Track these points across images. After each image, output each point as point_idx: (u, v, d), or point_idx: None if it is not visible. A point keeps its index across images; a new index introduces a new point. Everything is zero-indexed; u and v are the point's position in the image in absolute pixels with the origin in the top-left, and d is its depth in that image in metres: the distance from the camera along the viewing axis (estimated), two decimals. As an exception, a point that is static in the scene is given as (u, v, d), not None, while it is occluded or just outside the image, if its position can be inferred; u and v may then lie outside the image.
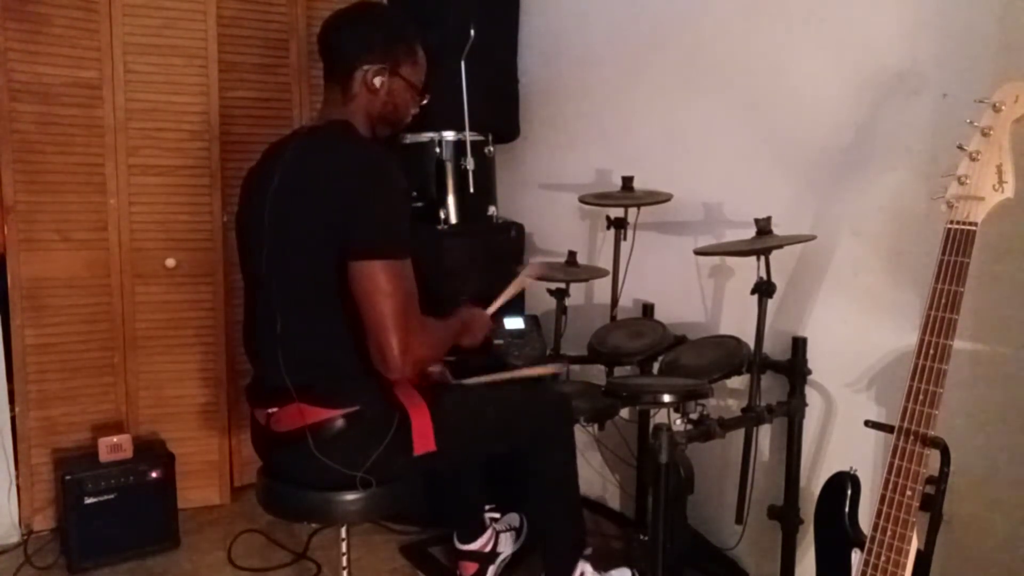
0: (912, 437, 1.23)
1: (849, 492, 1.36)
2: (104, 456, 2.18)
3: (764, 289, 1.72)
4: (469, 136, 2.38)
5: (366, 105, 1.60)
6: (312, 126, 1.62)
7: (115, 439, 2.20)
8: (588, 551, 1.82)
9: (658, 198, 2.12)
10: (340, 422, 1.47)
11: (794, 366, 1.82)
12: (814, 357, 1.82)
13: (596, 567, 1.82)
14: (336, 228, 1.42)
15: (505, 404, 1.73)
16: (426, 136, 2.41)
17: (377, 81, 1.58)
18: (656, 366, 2.04)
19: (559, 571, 1.80)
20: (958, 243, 1.23)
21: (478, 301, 1.84)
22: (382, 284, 1.40)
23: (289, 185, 1.50)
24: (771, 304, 1.75)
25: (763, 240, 1.72)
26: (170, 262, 2.43)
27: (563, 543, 1.81)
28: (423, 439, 1.51)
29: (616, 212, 2.23)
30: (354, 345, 1.47)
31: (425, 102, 1.71)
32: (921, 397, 1.23)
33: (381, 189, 1.45)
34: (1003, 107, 1.22)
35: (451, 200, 2.43)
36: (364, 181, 1.44)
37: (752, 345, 1.77)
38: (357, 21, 1.62)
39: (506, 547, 2.07)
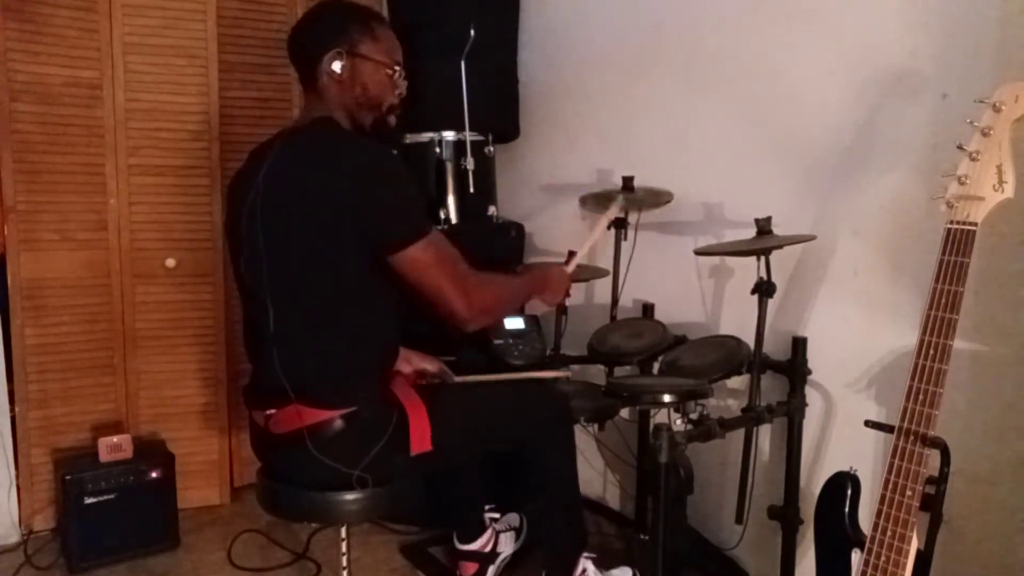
0: (912, 437, 1.23)
1: (849, 492, 1.36)
2: (104, 456, 2.18)
3: (764, 289, 1.72)
4: (469, 136, 2.38)
5: (338, 96, 1.59)
6: (294, 126, 1.61)
7: (115, 439, 2.20)
8: (592, 556, 1.82)
9: (658, 198, 2.12)
10: (338, 422, 1.47)
11: (794, 366, 1.82)
12: (814, 357, 1.82)
13: (597, 566, 1.82)
14: (344, 227, 1.42)
15: (503, 403, 1.73)
16: (426, 136, 2.41)
17: (337, 67, 1.57)
18: (656, 366, 2.04)
19: (560, 569, 1.79)
20: (958, 243, 1.23)
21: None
22: (426, 261, 1.46)
23: (276, 187, 1.49)
24: (771, 304, 1.75)
25: (763, 240, 1.72)
26: (170, 262, 2.43)
27: (564, 541, 1.81)
28: (420, 438, 1.51)
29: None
30: (351, 345, 1.47)
31: (401, 78, 1.66)
32: (921, 397, 1.23)
33: (382, 180, 1.45)
34: (1003, 107, 1.22)
35: (451, 200, 2.43)
36: (363, 178, 1.43)
37: (752, 345, 1.77)
38: (310, 19, 1.64)
39: (506, 547, 2.07)
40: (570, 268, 1.88)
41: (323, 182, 1.44)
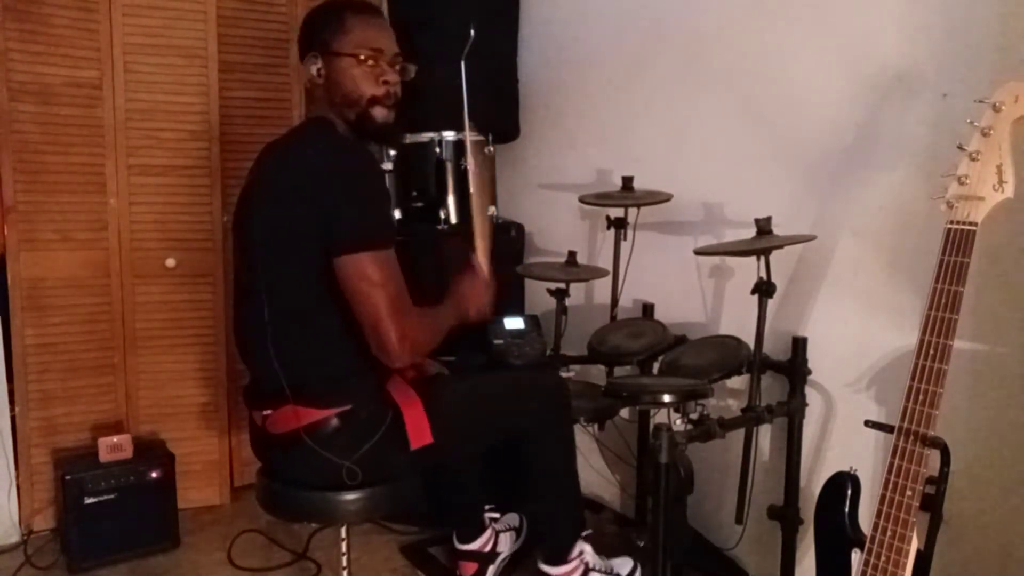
0: (912, 437, 1.23)
1: (849, 492, 1.36)
2: (104, 456, 2.18)
3: (764, 289, 1.72)
4: (469, 136, 2.38)
5: (324, 97, 1.59)
6: (295, 127, 1.63)
7: (115, 439, 2.20)
8: (587, 532, 1.82)
9: (658, 198, 2.12)
10: (334, 421, 1.48)
11: (794, 366, 1.82)
12: (814, 357, 1.82)
13: (598, 553, 1.83)
14: (318, 227, 1.42)
15: (501, 391, 1.74)
16: (426, 136, 2.41)
17: (313, 70, 1.57)
18: (656, 366, 2.04)
19: (558, 550, 1.80)
20: (958, 243, 1.23)
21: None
22: (371, 275, 1.40)
23: (269, 187, 1.51)
24: (771, 304, 1.75)
25: (763, 240, 1.72)
26: (170, 262, 2.43)
27: (562, 524, 1.82)
28: (418, 433, 1.51)
29: (616, 212, 2.23)
30: (346, 344, 1.47)
31: (388, 66, 1.57)
32: (921, 397, 1.23)
33: (355, 183, 1.45)
34: (1003, 107, 1.22)
35: (451, 200, 2.43)
36: (337, 178, 1.44)
37: (752, 345, 1.77)
38: (301, 26, 1.64)
39: (505, 547, 2.07)
40: (483, 268, 1.69)
41: (306, 180, 1.45)
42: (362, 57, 1.54)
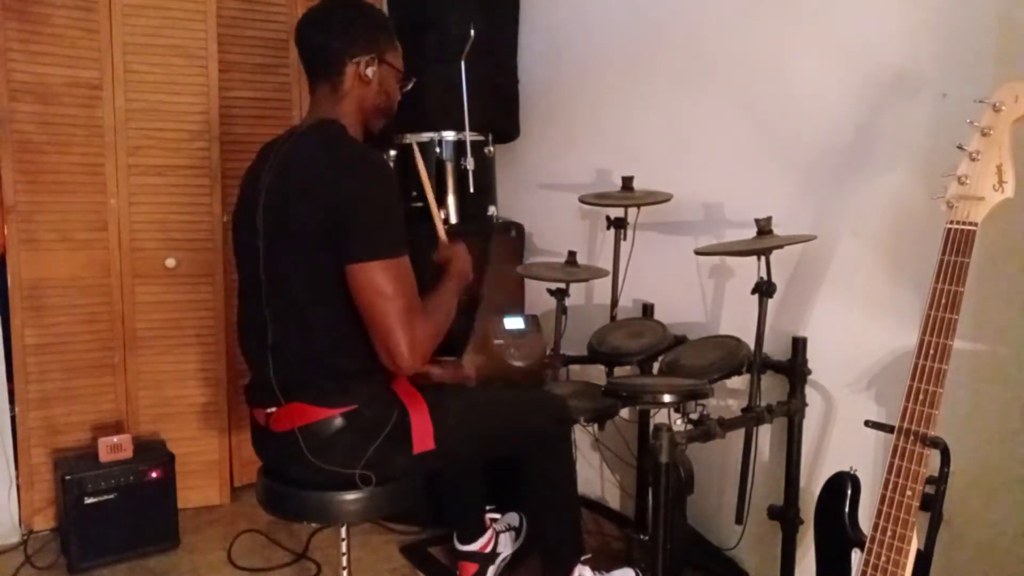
0: (912, 437, 1.23)
1: (849, 492, 1.36)
2: (104, 456, 2.18)
3: (764, 289, 1.72)
4: (469, 136, 2.38)
5: (359, 99, 1.59)
6: (302, 127, 1.60)
7: (115, 439, 2.20)
8: (587, 556, 1.82)
9: (658, 198, 2.12)
10: (339, 421, 1.47)
11: (794, 366, 1.82)
12: (814, 357, 1.82)
13: (597, 568, 1.82)
14: (330, 231, 1.42)
15: (505, 405, 1.74)
16: (426, 136, 2.41)
17: (369, 72, 1.57)
18: (656, 366, 2.04)
19: (558, 573, 1.79)
20: (958, 243, 1.23)
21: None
22: (382, 286, 1.40)
23: (279, 188, 1.49)
24: (771, 304, 1.74)
25: (763, 240, 1.72)
26: (170, 262, 2.43)
27: (561, 547, 1.81)
28: (422, 437, 1.51)
29: (616, 212, 2.23)
30: (354, 345, 1.47)
31: (411, 87, 1.71)
32: (921, 397, 1.23)
33: (372, 190, 1.45)
34: (1003, 107, 1.22)
35: (451, 200, 2.43)
36: (355, 183, 1.43)
37: (752, 345, 1.77)
38: (337, 16, 1.59)
39: (506, 547, 2.07)
40: (442, 237, 1.80)
41: (320, 183, 1.44)
42: (401, 77, 1.66)
